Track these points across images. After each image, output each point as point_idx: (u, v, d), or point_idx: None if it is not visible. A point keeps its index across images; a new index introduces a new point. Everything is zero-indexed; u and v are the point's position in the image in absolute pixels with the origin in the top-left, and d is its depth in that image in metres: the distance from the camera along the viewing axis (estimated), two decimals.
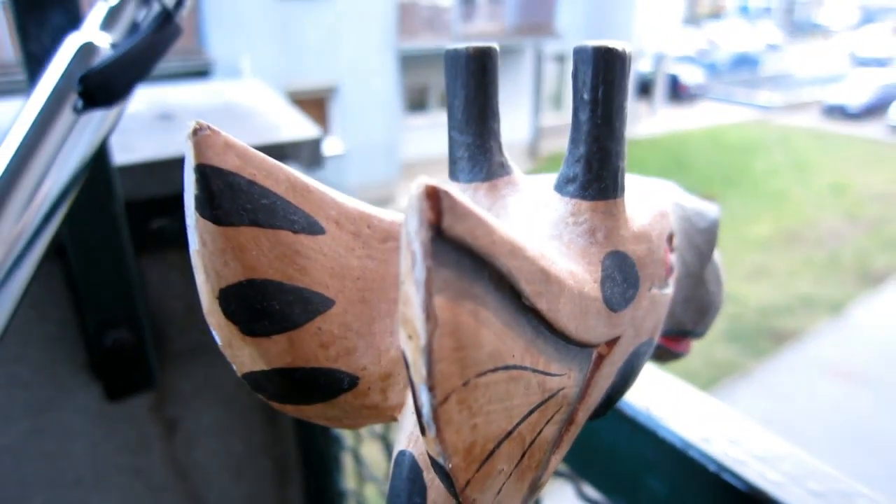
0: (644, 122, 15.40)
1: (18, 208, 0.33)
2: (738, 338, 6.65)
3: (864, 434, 5.10)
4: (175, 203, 0.70)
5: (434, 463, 0.15)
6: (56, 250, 0.62)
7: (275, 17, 9.13)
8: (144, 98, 0.81)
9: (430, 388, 0.13)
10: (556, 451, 0.20)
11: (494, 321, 0.15)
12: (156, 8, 0.37)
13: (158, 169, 0.67)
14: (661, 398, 0.34)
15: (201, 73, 8.30)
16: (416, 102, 11.51)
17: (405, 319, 0.13)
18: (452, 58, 0.20)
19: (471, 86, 0.20)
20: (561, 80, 13.79)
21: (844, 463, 4.70)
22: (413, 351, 0.13)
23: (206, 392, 0.80)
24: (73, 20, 0.43)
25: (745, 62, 21.44)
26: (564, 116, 14.10)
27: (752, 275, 8.07)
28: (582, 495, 0.38)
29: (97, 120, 0.36)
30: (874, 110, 15.69)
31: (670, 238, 0.22)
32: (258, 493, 0.88)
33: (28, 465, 0.72)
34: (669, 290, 0.23)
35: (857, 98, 15.86)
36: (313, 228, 0.19)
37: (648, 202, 0.22)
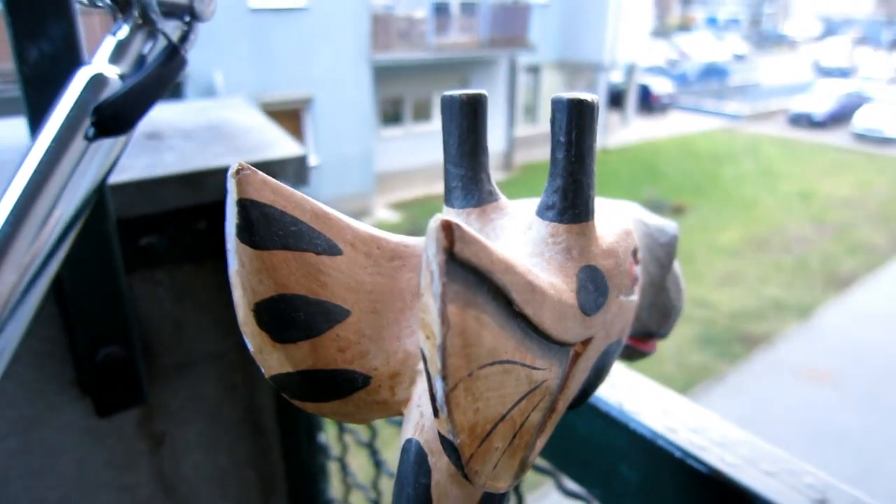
0: (616, 131, 15.63)
1: (33, 231, 0.35)
2: (712, 343, 6.77)
3: (832, 433, 5.23)
4: (163, 221, 0.72)
5: (444, 441, 0.18)
6: None
7: (247, 29, 9.12)
8: None
9: (444, 378, 0.17)
10: (540, 434, 0.23)
11: (492, 324, 0.18)
12: (161, 42, 0.40)
13: (147, 187, 0.69)
14: (632, 395, 0.37)
15: (174, 85, 8.24)
16: (391, 114, 11.54)
17: (424, 324, 0.16)
18: (448, 102, 0.24)
19: (464, 126, 0.24)
20: (535, 92, 13.94)
21: (814, 460, 4.80)
22: (430, 348, 0.16)
23: (192, 407, 0.82)
24: (69, 49, 0.46)
25: (713, 73, 21.88)
26: (538, 127, 14.26)
27: (724, 281, 8.22)
28: (562, 488, 0.42)
29: (106, 147, 0.38)
30: (838, 118, 16.11)
31: (635, 252, 0.26)
32: None
33: (15, 484, 0.72)
34: (635, 298, 0.26)
35: (821, 107, 16.28)
36: (333, 250, 0.22)
37: (615, 223, 0.26)
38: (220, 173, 0.71)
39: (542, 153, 14.07)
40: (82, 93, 0.38)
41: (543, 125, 14.36)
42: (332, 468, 0.88)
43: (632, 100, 16.38)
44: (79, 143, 0.37)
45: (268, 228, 0.21)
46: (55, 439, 0.73)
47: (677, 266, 0.31)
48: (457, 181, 0.25)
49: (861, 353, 6.46)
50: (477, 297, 0.18)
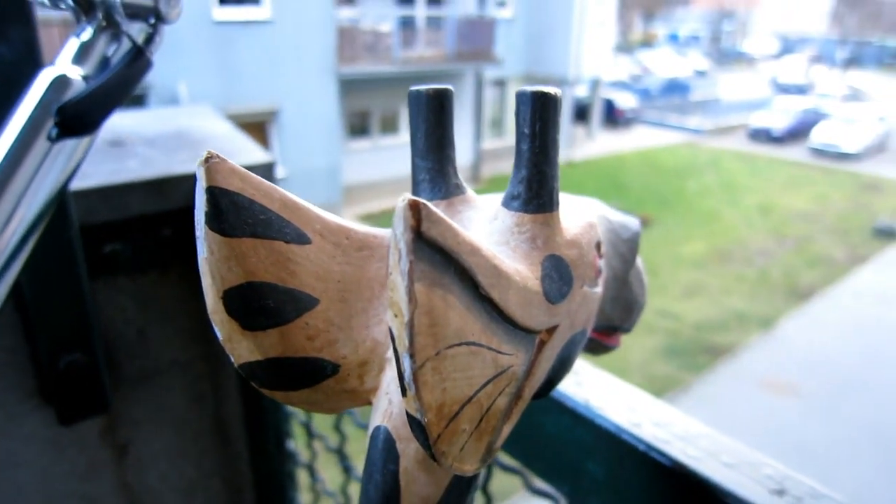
0: (582, 145, 15.84)
1: (4, 226, 0.35)
2: (677, 353, 6.87)
3: (792, 442, 5.34)
4: (127, 228, 0.71)
5: (412, 421, 0.18)
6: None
7: (211, 40, 9.05)
8: None
9: (412, 356, 0.17)
10: (507, 420, 0.23)
11: (458, 305, 0.19)
12: (126, 43, 0.40)
13: (111, 194, 0.68)
14: (598, 391, 0.38)
15: (137, 97, 8.14)
16: (358, 127, 11.53)
17: (392, 302, 0.17)
18: (415, 97, 0.24)
19: (430, 121, 0.24)
20: (501, 105, 14.06)
21: None
22: (399, 326, 0.17)
23: (157, 416, 0.80)
24: (29, 51, 0.46)
25: (675, 88, 22.35)
26: (505, 140, 14.38)
27: (688, 292, 8.37)
28: (530, 488, 0.42)
29: (70, 149, 0.38)
30: (796, 134, 16.57)
31: (598, 245, 0.27)
32: None
33: None
34: (599, 290, 0.27)
35: (780, 122, 16.73)
36: (302, 239, 0.22)
37: (579, 215, 0.26)
38: (186, 180, 0.71)
39: (510, 166, 14.19)
40: (45, 94, 0.37)
41: (510, 138, 14.49)
42: (301, 475, 0.87)
43: (596, 114, 16.64)
44: (41, 144, 0.37)
45: (237, 216, 0.21)
46: (16, 449, 0.71)
47: (640, 262, 0.32)
48: (424, 174, 0.25)
49: (821, 363, 6.61)
50: (444, 278, 0.18)
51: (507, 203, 0.24)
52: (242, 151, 0.78)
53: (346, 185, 10.85)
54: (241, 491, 0.90)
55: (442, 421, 0.19)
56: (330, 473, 0.80)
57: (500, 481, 0.50)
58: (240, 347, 0.22)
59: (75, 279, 0.63)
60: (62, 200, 0.58)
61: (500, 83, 13.64)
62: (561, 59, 13.37)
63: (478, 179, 12.73)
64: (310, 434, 0.78)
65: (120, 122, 0.85)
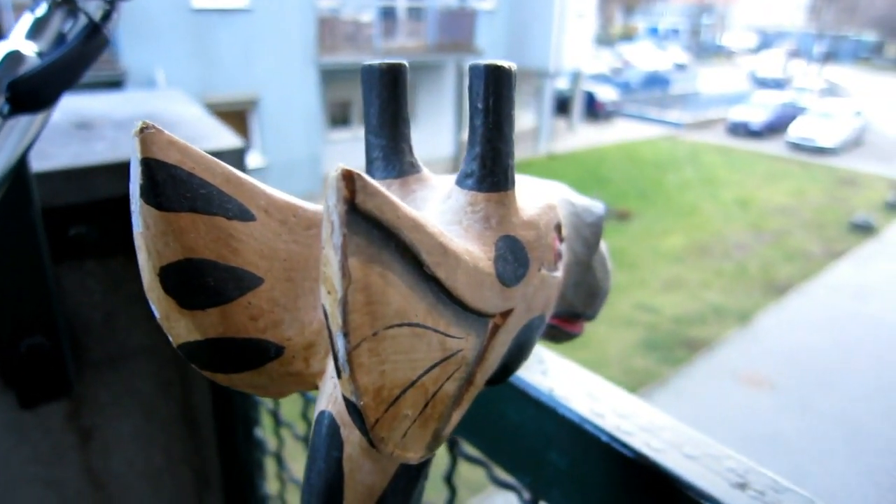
0: (563, 138, 15.88)
1: None
2: (655, 347, 6.93)
3: (767, 435, 5.41)
4: (93, 211, 0.70)
5: (349, 404, 0.17)
6: None
7: (190, 28, 8.92)
8: (60, 107, 0.80)
9: (345, 335, 0.16)
10: (457, 407, 0.23)
11: (400, 284, 0.18)
12: (82, 20, 0.38)
13: (77, 176, 0.67)
14: (562, 381, 0.38)
15: (114, 83, 8.01)
16: (339, 117, 11.46)
17: (325, 277, 0.16)
18: (368, 72, 0.24)
19: (384, 96, 0.24)
20: None
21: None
22: (331, 304, 0.16)
23: (124, 401, 0.79)
24: None
25: (655, 81, 22.46)
26: None
27: (667, 286, 8.44)
28: (494, 480, 0.42)
29: (23, 125, 0.37)
30: (775, 128, 16.74)
31: (558, 228, 0.26)
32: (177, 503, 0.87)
33: None
34: (559, 274, 0.26)
35: (758, 116, 16.89)
36: (245, 215, 0.21)
37: (538, 196, 0.26)
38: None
39: None
40: (1, 70, 0.36)
41: None
42: (269, 464, 0.87)
43: (577, 106, 16.68)
44: None
45: (174, 190, 0.20)
46: None
47: (604, 247, 0.31)
48: (377, 152, 0.24)
49: (797, 358, 6.70)
50: (382, 254, 0.17)
51: (460, 181, 0.24)
52: (213, 136, 0.76)
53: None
54: (209, 479, 0.89)
55: (380, 405, 0.18)
56: (298, 463, 0.79)
57: (470, 474, 0.50)
58: (178, 327, 0.21)
59: (37, 261, 0.62)
60: (23, 181, 0.56)
61: None
62: (542, 51, 13.37)
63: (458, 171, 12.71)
64: (277, 422, 0.77)
65: (89, 104, 0.83)
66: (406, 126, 0.25)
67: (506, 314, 0.24)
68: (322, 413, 0.22)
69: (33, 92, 0.35)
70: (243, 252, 0.21)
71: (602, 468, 0.34)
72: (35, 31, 0.38)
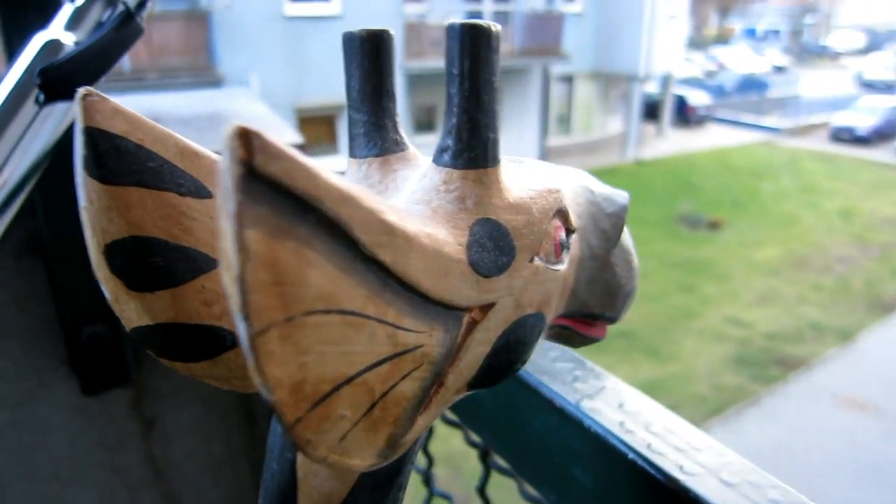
0: (651, 143, 15.44)
1: None
2: (747, 364, 6.60)
3: (872, 464, 5.03)
4: None
5: (266, 399, 0.15)
6: (37, 246, 0.64)
7: (283, 35, 9.26)
8: (135, 105, 0.83)
9: (246, 318, 0.14)
10: (423, 411, 0.20)
11: (325, 264, 0.15)
12: (120, 8, 0.39)
13: None
14: (593, 390, 0.35)
15: (212, 85, 8.41)
16: (424, 122, 11.59)
17: (222, 251, 0.14)
18: (348, 41, 0.22)
19: (364, 67, 0.22)
20: (568, 102, 13.86)
21: (850, 493, 4.63)
22: (229, 282, 0.14)
23: (185, 392, 0.81)
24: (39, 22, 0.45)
25: (752, 85, 21.49)
26: (572, 137, 14.16)
27: (761, 299, 8.03)
28: (524, 494, 0.39)
29: (59, 112, 0.37)
30: (883, 134, 15.67)
31: (563, 216, 0.23)
32: (237, 497, 0.88)
33: (7, 457, 0.73)
34: (562, 267, 0.23)
35: (865, 122, 15.85)
36: (200, 192, 0.20)
37: (537, 178, 0.23)
38: None
39: (577, 163, 13.96)
40: (35, 58, 0.37)
41: (578, 135, 14.27)
42: None
43: (667, 111, 16.20)
44: (29, 107, 0.36)
45: (119, 162, 0.19)
46: (46, 415, 0.73)
47: (628, 240, 0.28)
48: (358, 128, 0.22)
49: None
50: (297, 228, 0.15)
51: (436, 157, 0.21)
52: (274, 132, 0.77)
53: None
54: None
55: (301, 402, 0.16)
56: None
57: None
58: (128, 310, 0.20)
59: None
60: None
61: (568, 79, 13.44)
62: (631, 55, 13.06)
63: None
64: None
65: (160, 102, 0.86)
66: (390, 100, 0.23)
67: (486, 308, 0.21)
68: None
69: (66, 79, 0.35)
70: (197, 231, 0.20)
71: (628, 489, 0.31)
72: (74, 22, 0.38)
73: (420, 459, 0.54)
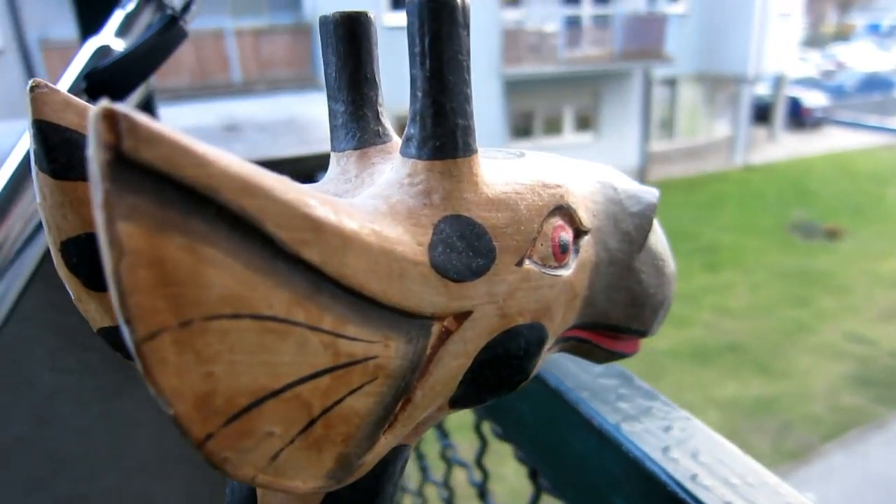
0: (762, 148, 14.68)
1: (33, 194, 0.35)
2: (870, 384, 6.12)
3: None
4: None
5: (162, 408, 0.14)
6: None
7: (382, 45, 9.49)
8: (215, 111, 0.86)
9: (127, 322, 0.13)
10: (387, 429, 0.18)
11: (230, 263, 0.14)
12: (167, 14, 0.39)
13: None
14: (637, 411, 0.31)
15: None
16: (521, 128, 11.55)
17: (102, 248, 0.12)
18: (322, 25, 0.20)
19: (340, 52, 0.20)
20: (671, 105, 13.42)
21: None
22: (109, 281, 0.12)
23: None
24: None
25: (875, 84, 19.99)
26: (675, 142, 13.69)
27: (886, 315, 7.43)
28: None
29: None
30: None
31: (566, 214, 0.20)
32: None
33: (98, 448, 0.76)
34: (565, 273, 0.21)
35: None
36: None
37: (529, 172, 0.20)
38: (282, 163, 0.72)
39: (680, 169, 13.46)
40: (87, 63, 0.37)
41: (681, 140, 13.77)
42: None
43: (779, 114, 15.34)
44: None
45: (70, 156, 0.18)
46: (134, 409, 0.76)
47: (658, 244, 0.24)
48: (337, 119, 0.21)
49: None
50: (189, 222, 0.13)
51: (401, 148, 0.19)
52: None
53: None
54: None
55: (211, 417, 0.14)
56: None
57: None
58: (90, 310, 0.19)
59: None
60: None
61: (671, 82, 13.00)
62: (740, 56, 12.47)
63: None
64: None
65: (241, 109, 0.89)
66: (371, 87, 0.21)
67: (461, 317, 0.19)
68: None
69: (110, 81, 0.36)
70: None
71: None
72: (124, 28, 0.39)
73: (475, 473, 0.52)
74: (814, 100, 16.77)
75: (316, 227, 0.15)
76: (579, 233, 0.22)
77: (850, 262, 8.97)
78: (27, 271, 0.35)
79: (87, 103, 0.19)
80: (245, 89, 8.53)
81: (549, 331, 0.21)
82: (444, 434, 0.61)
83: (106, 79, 0.36)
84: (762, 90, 14.84)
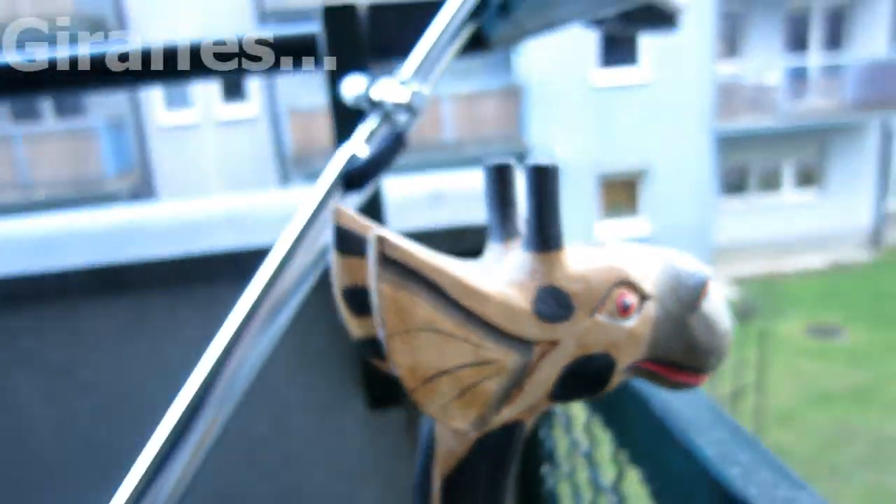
0: None
1: (305, 248, 0.53)
2: None
3: None
4: None
5: (399, 377, 0.27)
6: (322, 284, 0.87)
7: (590, 105, 9.63)
8: (425, 183, 1.04)
9: (382, 326, 0.27)
10: (507, 404, 0.30)
11: (425, 304, 0.27)
12: (394, 128, 0.56)
13: (421, 237, 0.88)
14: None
15: (518, 158, 9.12)
16: (734, 185, 10.95)
17: (372, 295, 0.26)
18: (484, 168, 0.33)
19: (493, 188, 0.33)
20: None
21: None
22: (375, 311, 0.27)
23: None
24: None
25: None
26: None
27: None
28: None
29: (352, 201, 0.55)
30: None
31: (628, 284, 0.31)
32: None
33: (313, 455, 0.96)
34: (629, 324, 0.32)
35: None
36: None
37: (600, 259, 0.31)
38: (475, 230, 0.87)
39: None
40: (344, 165, 0.55)
41: None
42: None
43: None
44: (336, 195, 0.55)
45: (349, 244, 0.33)
46: (343, 423, 0.95)
47: (713, 309, 0.34)
48: (492, 223, 0.34)
49: None
50: (409, 284, 0.27)
51: (521, 243, 0.32)
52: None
53: (717, 245, 10.36)
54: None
55: (416, 379, 0.27)
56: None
57: None
58: (352, 326, 0.34)
59: None
60: None
61: None
62: None
63: (878, 246, 10.88)
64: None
65: (448, 180, 1.06)
66: (511, 206, 0.33)
67: (552, 343, 0.30)
68: None
69: (357, 179, 0.53)
70: None
71: None
72: (368, 138, 0.56)
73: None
74: None
75: (468, 289, 0.28)
76: (644, 297, 0.32)
77: None
78: (299, 304, 0.53)
79: (359, 218, 0.34)
80: (456, 146, 9.12)
81: (616, 360, 0.32)
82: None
83: (354, 177, 0.53)
84: None
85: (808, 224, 10.74)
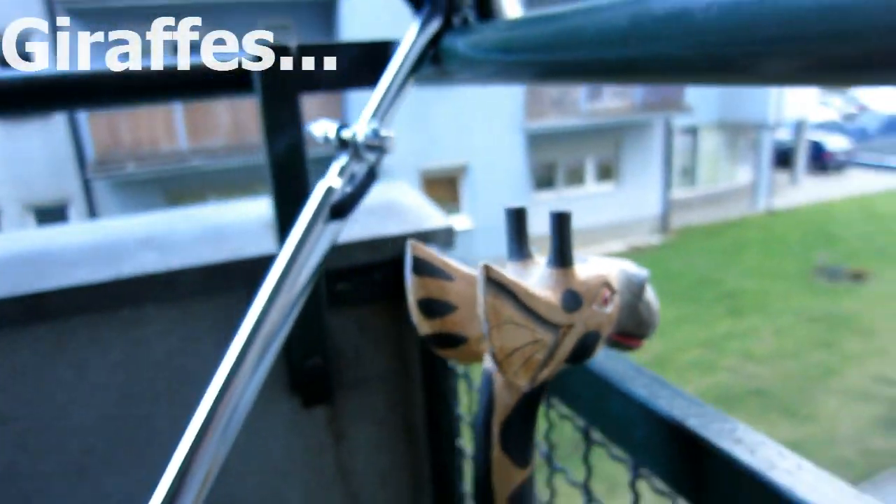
0: (784, 192, 14.81)
1: (297, 273, 0.62)
2: None
3: None
4: (351, 273, 1.00)
5: (491, 354, 0.40)
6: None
7: (410, 105, 9.91)
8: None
9: (487, 321, 0.40)
10: (546, 367, 0.44)
11: (509, 307, 0.40)
12: (365, 165, 0.67)
13: (343, 249, 0.98)
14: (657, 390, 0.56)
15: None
16: (545, 179, 11.85)
17: (480, 303, 0.39)
18: (506, 211, 0.46)
19: (509, 223, 0.46)
20: (693, 153, 13.65)
21: None
22: (481, 311, 0.39)
23: (364, 414, 1.08)
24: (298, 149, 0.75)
25: None
26: (698, 189, 13.84)
27: None
28: (612, 455, 0.60)
29: (334, 228, 0.65)
30: None
31: (608, 285, 0.46)
32: (399, 500, 1.14)
33: (245, 457, 1.02)
34: (608, 310, 0.46)
35: None
36: (451, 279, 0.46)
37: (595, 269, 0.46)
38: (393, 241, 0.99)
39: (702, 216, 13.60)
40: (323, 197, 0.65)
41: (703, 187, 13.97)
42: (467, 469, 1.10)
43: (801, 158, 15.48)
44: (322, 224, 0.64)
45: (423, 267, 0.45)
46: (273, 425, 1.02)
47: (650, 297, 0.50)
48: (510, 248, 0.47)
49: None
50: (500, 294, 0.40)
51: (546, 262, 0.46)
52: (431, 218, 1.05)
53: (532, 235, 11.13)
54: (422, 482, 1.14)
55: (503, 355, 0.41)
56: None
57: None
58: (422, 326, 0.46)
59: (318, 307, 0.93)
60: None
61: (692, 131, 13.29)
62: (759, 104, 12.74)
63: (667, 230, 12.38)
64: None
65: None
66: (525, 236, 0.47)
67: (570, 327, 0.44)
68: (485, 369, 0.46)
69: (342, 209, 0.63)
70: (450, 294, 0.46)
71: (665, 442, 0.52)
72: (340, 173, 0.66)
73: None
74: (836, 143, 16.93)
75: (529, 295, 0.41)
76: (614, 292, 0.48)
77: (876, 303, 9.02)
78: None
79: (430, 249, 0.45)
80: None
81: (601, 334, 0.47)
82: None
83: (342, 207, 0.63)
84: (783, 135, 15.03)
85: (609, 213, 11.93)
